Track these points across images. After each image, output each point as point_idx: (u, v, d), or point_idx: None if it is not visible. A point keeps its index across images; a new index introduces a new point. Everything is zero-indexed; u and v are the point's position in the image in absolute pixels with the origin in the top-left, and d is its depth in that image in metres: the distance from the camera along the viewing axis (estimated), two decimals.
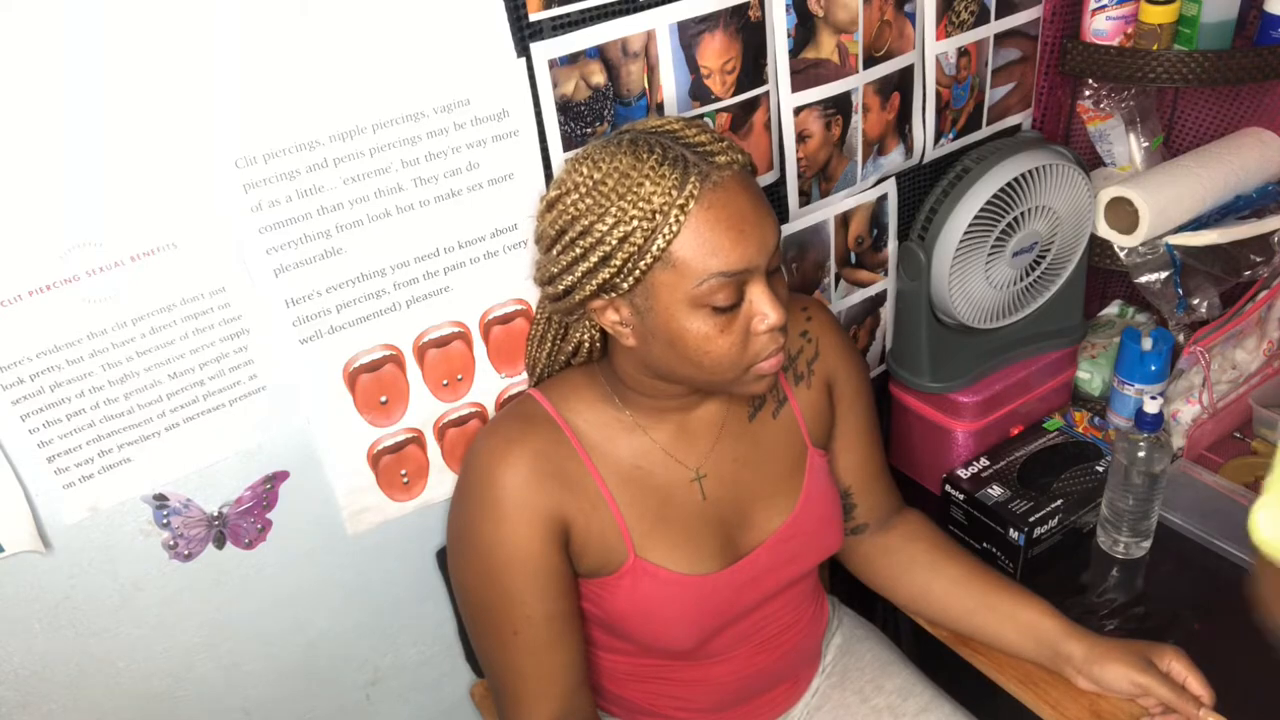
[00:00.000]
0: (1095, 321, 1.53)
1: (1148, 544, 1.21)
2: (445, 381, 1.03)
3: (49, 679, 0.93)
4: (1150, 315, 1.50)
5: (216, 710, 1.05)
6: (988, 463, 1.29)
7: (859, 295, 1.33)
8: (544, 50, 0.93)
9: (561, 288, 0.84)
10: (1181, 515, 1.24)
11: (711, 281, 0.78)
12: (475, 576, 0.92)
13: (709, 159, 0.80)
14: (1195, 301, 1.33)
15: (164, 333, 0.85)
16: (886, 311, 1.37)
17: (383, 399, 1.00)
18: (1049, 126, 1.40)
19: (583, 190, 0.80)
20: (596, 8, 0.94)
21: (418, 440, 1.04)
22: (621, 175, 0.78)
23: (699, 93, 1.04)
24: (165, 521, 0.93)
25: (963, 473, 1.27)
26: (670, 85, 1.02)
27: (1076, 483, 1.25)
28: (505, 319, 1.04)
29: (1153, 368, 1.34)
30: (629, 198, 0.77)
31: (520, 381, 1.08)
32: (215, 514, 0.96)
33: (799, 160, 1.16)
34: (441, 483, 1.08)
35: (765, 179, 1.15)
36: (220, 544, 0.97)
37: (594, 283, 0.81)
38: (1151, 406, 1.14)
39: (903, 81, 1.21)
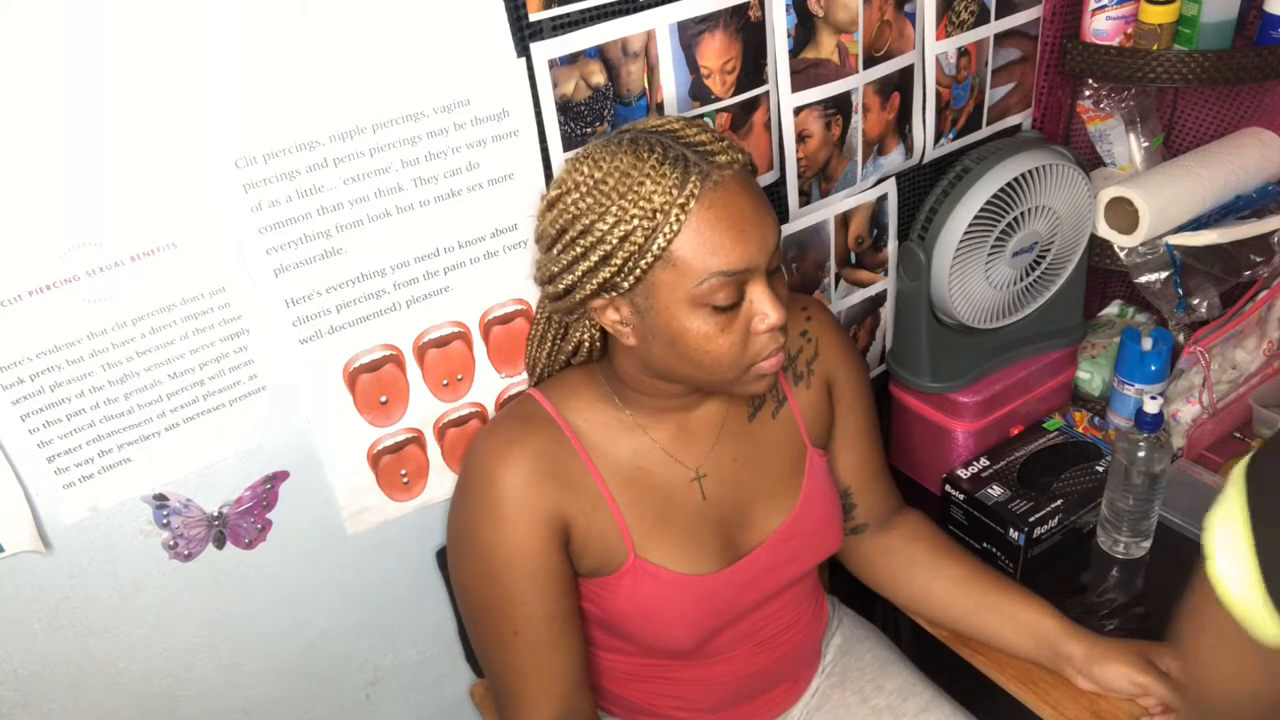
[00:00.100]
0: (1095, 321, 1.53)
1: (1148, 544, 1.21)
2: (445, 381, 1.03)
3: (49, 679, 0.93)
4: (1150, 315, 1.50)
5: (216, 710, 1.05)
6: (988, 463, 1.29)
7: (859, 295, 1.33)
8: (544, 50, 0.93)
9: (562, 287, 0.84)
10: (1181, 515, 1.24)
11: (712, 281, 0.79)
12: (475, 576, 0.92)
13: (709, 158, 0.80)
14: (1195, 301, 1.33)
15: (164, 333, 0.85)
16: (886, 311, 1.37)
17: (383, 399, 1.00)
18: (1049, 126, 1.40)
19: (583, 189, 0.80)
20: (596, 8, 0.94)
21: (418, 440, 1.04)
22: (622, 174, 0.78)
23: (699, 93, 1.04)
24: (165, 521, 0.93)
25: (963, 473, 1.27)
26: (670, 85, 1.02)
27: (1076, 483, 1.25)
28: (505, 319, 1.04)
29: (1153, 368, 1.34)
30: (630, 197, 0.78)
31: (520, 381, 1.08)
32: (215, 514, 0.96)
33: (799, 160, 1.16)
34: (441, 483, 1.08)
35: (765, 179, 1.15)
36: (220, 544, 0.97)
37: (594, 282, 0.81)
38: (1151, 406, 1.14)
39: (903, 81, 1.21)
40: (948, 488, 1.27)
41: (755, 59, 1.06)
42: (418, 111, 0.89)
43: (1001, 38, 1.27)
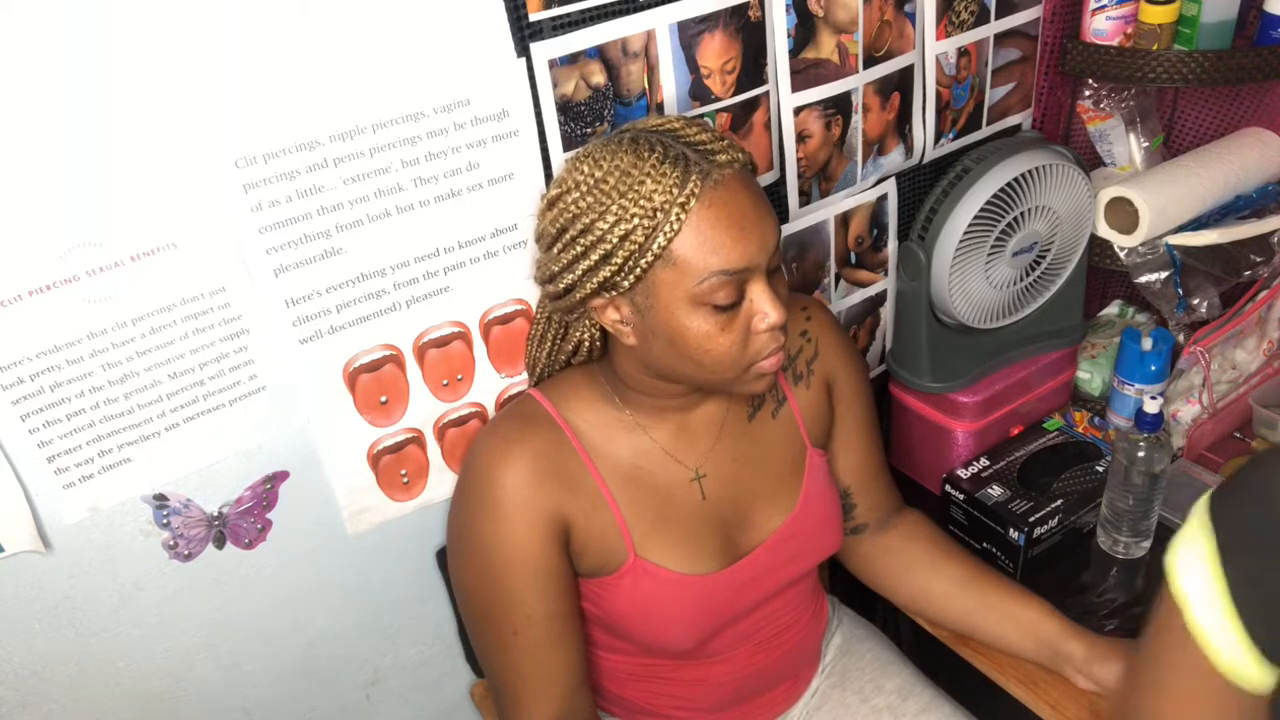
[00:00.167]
0: (1095, 321, 1.53)
1: (1148, 544, 1.21)
2: (445, 381, 1.03)
3: (49, 679, 0.93)
4: (1150, 315, 1.50)
5: (216, 710, 1.05)
6: (988, 463, 1.29)
7: (859, 295, 1.33)
8: (544, 50, 0.93)
9: (562, 286, 0.84)
10: (1181, 515, 1.23)
11: (712, 280, 0.79)
12: (475, 576, 0.92)
13: (710, 157, 0.80)
14: (1195, 301, 1.33)
15: (164, 333, 0.85)
16: (886, 311, 1.37)
17: (383, 399, 1.00)
18: (1049, 126, 1.40)
19: (584, 188, 0.80)
20: (596, 8, 0.94)
21: (418, 440, 1.04)
22: (623, 173, 0.78)
23: (699, 93, 1.04)
24: (165, 521, 0.93)
25: (963, 473, 1.27)
26: (670, 85, 1.02)
27: (1076, 483, 1.25)
28: (505, 319, 1.04)
29: (1153, 368, 1.34)
30: (630, 196, 0.78)
31: (520, 381, 1.08)
32: (215, 514, 0.96)
33: (799, 160, 1.16)
34: (441, 483, 1.08)
35: (765, 179, 1.15)
36: (220, 544, 0.97)
37: (595, 281, 0.81)
38: (1151, 406, 1.14)
39: (903, 81, 1.21)
40: (948, 488, 1.27)
41: (755, 59, 1.06)
42: (418, 111, 0.89)
43: (1001, 38, 1.27)
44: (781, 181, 1.16)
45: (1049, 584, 1.14)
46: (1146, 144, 1.36)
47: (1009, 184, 1.19)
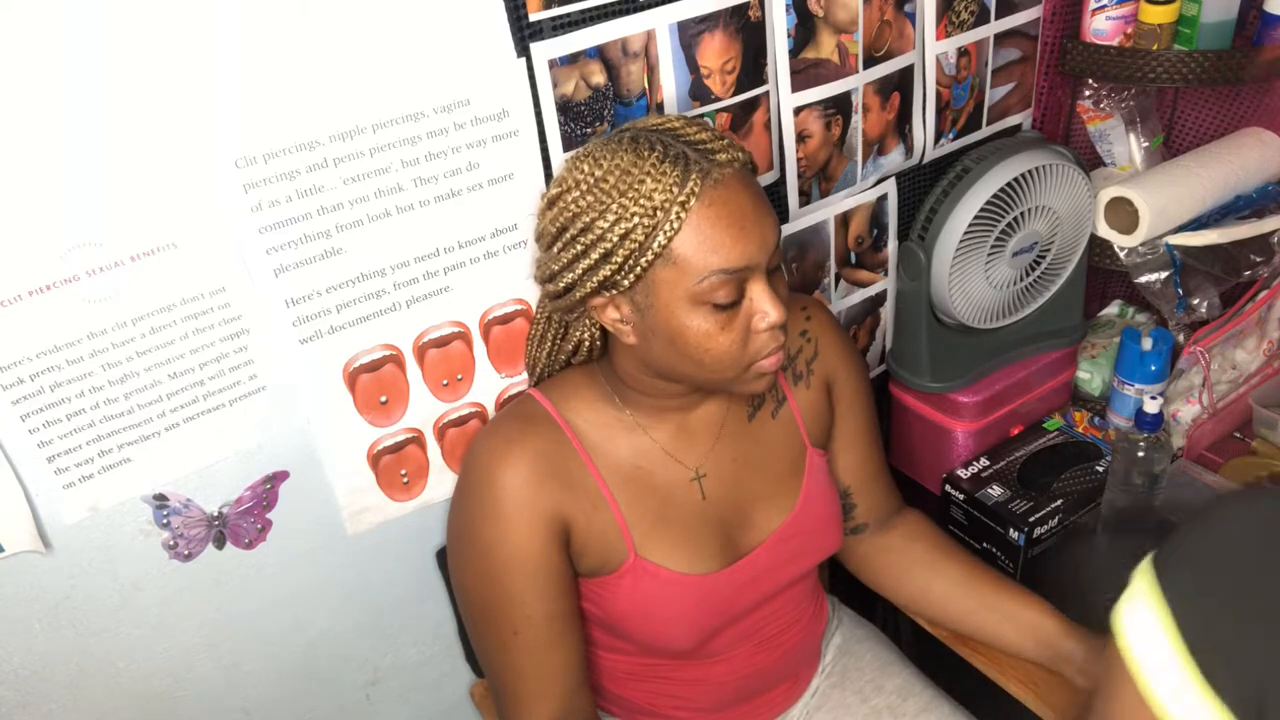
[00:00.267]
0: (1095, 321, 1.53)
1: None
2: (445, 381, 1.03)
3: (49, 679, 0.93)
4: (1150, 315, 1.50)
5: (216, 710, 1.05)
6: (988, 463, 1.29)
7: (859, 295, 1.33)
8: (544, 50, 0.93)
9: (562, 285, 0.84)
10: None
11: (712, 279, 0.79)
12: (475, 576, 0.92)
13: (710, 157, 0.80)
14: (1195, 301, 1.33)
15: (164, 333, 0.85)
16: (886, 311, 1.37)
17: (383, 399, 1.00)
18: (1049, 126, 1.40)
19: (584, 187, 0.80)
20: (596, 8, 0.94)
21: (418, 440, 1.04)
22: (623, 172, 0.78)
23: (699, 93, 1.04)
24: (165, 521, 0.93)
25: (963, 473, 1.28)
26: (670, 85, 1.02)
27: (1076, 483, 1.25)
28: (505, 319, 1.04)
29: (1153, 368, 1.34)
30: (630, 194, 0.78)
31: (520, 381, 1.08)
32: (215, 514, 0.96)
33: (799, 160, 1.16)
34: (441, 483, 1.08)
35: (765, 179, 1.15)
36: (220, 544, 0.97)
37: (595, 280, 0.81)
38: (1151, 406, 1.14)
39: (903, 81, 1.21)
40: (948, 488, 1.27)
41: (755, 59, 1.06)
42: (418, 111, 0.89)
43: (1001, 38, 1.27)
44: (781, 181, 1.16)
45: (1049, 584, 1.14)
46: (1146, 144, 1.36)
47: (1009, 184, 1.19)
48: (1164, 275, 1.30)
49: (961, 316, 1.27)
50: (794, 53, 1.09)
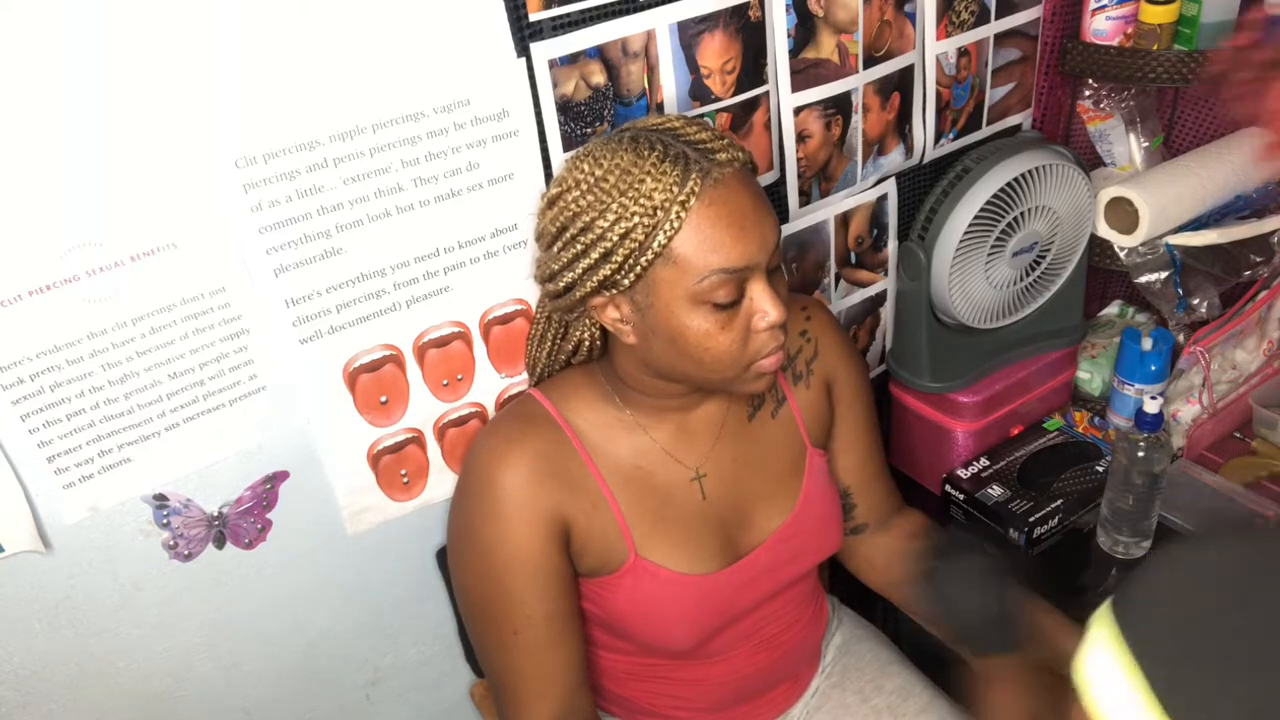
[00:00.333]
0: (1095, 321, 1.53)
1: (1148, 544, 1.21)
2: (445, 381, 1.03)
3: (49, 679, 0.93)
4: (1150, 315, 1.50)
5: (216, 710, 1.05)
6: (988, 463, 1.29)
7: (859, 295, 1.33)
8: (544, 50, 0.93)
9: (562, 285, 0.84)
10: (1181, 515, 1.24)
11: (712, 278, 0.79)
12: (475, 576, 0.92)
13: (710, 156, 0.80)
14: (1195, 301, 1.33)
15: (164, 333, 0.85)
16: (886, 311, 1.37)
17: (383, 399, 1.00)
18: (1049, 126, 1.40)
19: (584, 187, 0.80)
20: (596, 8, 0.94)
21: (418, 440, 1.04)
22: (623, 172, 0.78)
23: (699, 93, 1.04)
24: (165, 521, 0.93)
25: (963, 473, 1.28)
26: (670, 85, 1.02)
27: (1076, 483, 1.25)
28: (505, 319, 1.04)
29: (1153, 368, 1.34)
30: (630, 194, 0.78)
31: (520, 381, 1.08)
32: (215, 514, 0.96)
33: (799, 160, 1.16)
34: (441, 483, 1.08)
35: (765, 179, 1.15)
36: (220, 544, 0.97)
37: (595, 279, 0.81)
38: (1151, 406, 1.14)
39: (903, 81, 1.21)
40: (948, 488, 1.27)
41: (755, 59, 1.06)
42: (418, 111, 0.89)
43: (1001, 38, 1.27)
44: (781, 181, 1.16)
45: (1049, 584, 1.14)
46: (1146, 144, 1.36)
47: (1009, 184, 1.19)
48: (1164, 275, 1.30)
49: (961, 316, 1.27)
50: (794, 53, 1.09)
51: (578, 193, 0.80)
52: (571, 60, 0.95)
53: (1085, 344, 1.48)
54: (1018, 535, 1.18)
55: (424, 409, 1.03)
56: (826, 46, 1.11)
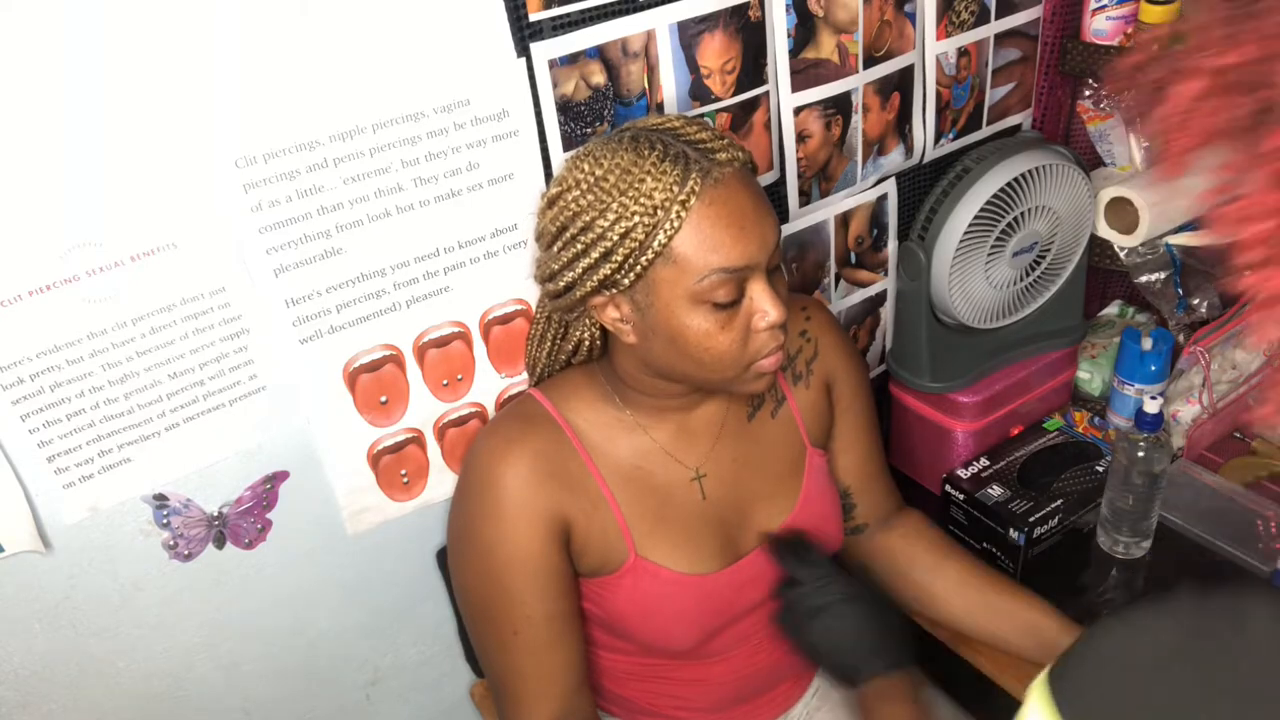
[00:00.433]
0: (1095, 321, 1.53)
1: (1148, 544, 1.21)
2: (445, 381, 1.03)
3: (49, 679, 0.93)
4: (1150, 315, 1.50)
5: (216, 710, 1.05)
6: (988, 463, 1.29)
7: (859, 295, 1.33)
8: (544, 50, 0.93)
9: (562, 284, 0.84)
10: (1181, 515, 1.24)
11: (712, 278, 0.79)
12: (475, 576, 0.92)
13: (710, 156, 0.80)
14: (1195, 301, 1.32)
15: (164, 333, 0.85)
16: (886, 311, 1.37)
17: (383, 399, 1.00)
18: (1049, 126, 1.40)
19: (584, 186, 0.80)
20: (596, 8, 0.94)
21: (418, 440, 1.04)
22: (623, 171, 0.78)
23: (699, 93, 1.04)
24: (165, 521, 0.93)
25: (963, 473, 1.27)
26: (670, 85, 1.02)
27: (1076, 483, 1.25)
28: (505, 319, 1.04)
29: (1153, 368, 1.34)
30: (630, 193, 0.78)
31: (520, 381, 1.08)
32: (215, 514, 0.96)
33: (799, 160, 1.16)
34: (441, 483, 1.08)
35: (765, 179, 1.15)
36: (220, 544, 0.97)
37: (595, 279, 0.81)
38: (1151, 406, 1.14)
39: (903, 81, 1.21)
40: (948, 488, 1.27)
41: (755, 59, 1.06)
42: (418, 111, 0.89)
43: (1001, 38, 1.27)
44: (781, 181, 1.16)
45: (1049, 584, 1.14)
46: (1146, 144, 1.36)
47: (1009, 184, 1.19)
48: (1164, 275, 1.30)
49: (961, 316, 1.27)
50: (794, 53, 1.09)
51: (578, 192, 0.80)
52: (571, 60, 0.95)
53: (1085, 344, 1.48)
54: (1018, 535, 1.18)
55: (424, 409, 1.03)
56: (826, 46, 1.11)
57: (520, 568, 0.89)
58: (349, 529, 1.05)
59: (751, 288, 0.81)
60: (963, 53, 1.24)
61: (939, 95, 1.25)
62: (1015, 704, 1.09)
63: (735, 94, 1.07)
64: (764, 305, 0.81)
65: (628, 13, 0.96)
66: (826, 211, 1.22)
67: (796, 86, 1.11)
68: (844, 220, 1.25)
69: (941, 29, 1.21)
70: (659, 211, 0.77)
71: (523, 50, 0.93)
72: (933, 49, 1.21)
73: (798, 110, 1.12)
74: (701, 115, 1.05)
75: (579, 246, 0.81)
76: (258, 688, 1.07)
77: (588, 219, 0.80)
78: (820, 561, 0.94)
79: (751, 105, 1.09)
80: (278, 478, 0.98)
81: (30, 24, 0.71)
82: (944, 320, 1.31)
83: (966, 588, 1.06)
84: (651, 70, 1.00)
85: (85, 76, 0.74)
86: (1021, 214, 1.22)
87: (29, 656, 0.91)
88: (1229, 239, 0.43)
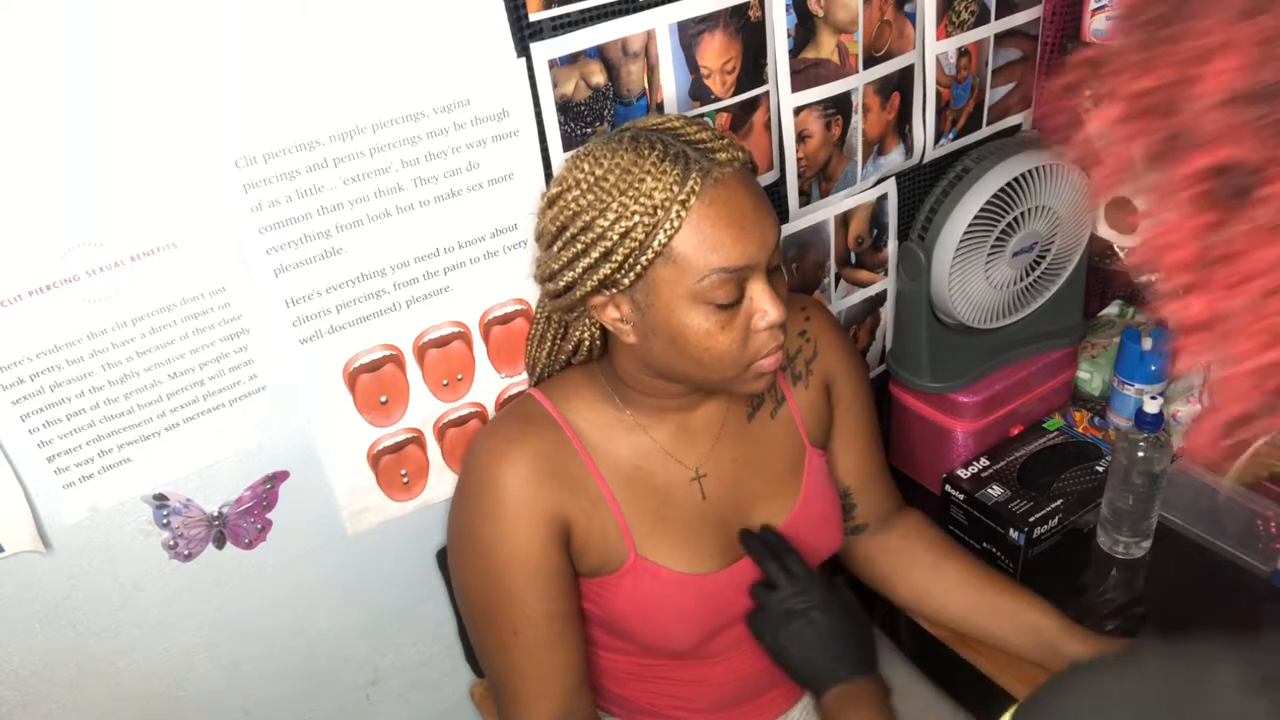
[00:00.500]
0: (1095, 321, 1.53)
1: (1148, 544, 1.21)
2: (445, 381, 1.03)
3: (49, 679, 0.93)
4: (1150, 315, 1.50)
5: (216, 710, 1.05)
6: (988, 463, 1.29)
7: (859, 295, 1.33)
8: (544, 50, 0.93)
9: (562, 284, 0.84)
10: (1181, 515, 1.24)
11: (712, 277, 0.79)
12: (475, 576, 0.92)
13: (710, 156, 0.80)
14: None
15: (164, 333, 0.85)
16: (886, 311, 1.37)
17: (383, 399, 1.00)
18: None
19: (584, 186, 0.80)
20: (596, 8, 0.94)
21: (418, 440, 1.04)
22: (623, 171, 0.78)
23: (699, 93, 1.04)
24: (165, 521, 0.93)
25: (963, 473, 1.27)
26: (670, 85, 1.02)
27: (1076, 483, 1.25)
28: (505, 319, 1.04)
29: (1153, 368, 1.34)
30: (630, 193, 0.78)
31: (520, 381, 1.08)
32: (215, 514, 0.96)
33: (799, 160, 1.16)
34: (441, 483, 1.08)
35: (765, 179, 1.15)
36: (220, 544, 0.97)
37: (595, 278, 0.81)
38: (1151, 406, 1.14)
39: (903, 81, 1.21)
40: (948, 488, 1.27)
41: (755, 59, 1.06)
42: (418, 111, 0.89)
43: (1001, 38, 1.27)
44: (781, 181, 1.16)
45: (1049, 584, 1.14)
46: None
47: (1009, 184, 1.19)
48: None
49: (961, 316, 1.27)
50: (794, 53, 1.09)
51: (578, 192, 0.80)
52: (571, 60, 0.95)
53: (1085, 344, 1.48)
54: (1018, 535, 1.18)
55: (424, 409, 1.03)
56: (826, 46, 1.11)
57: (520, 568, 0.89)
58: (349, 529, 1.05)
59: (751, 288, 0.81)
60: (963, 53, 1.24)
61: (939, 95, 1.25)
62: (1015, 704, 1.09)
63: (735, 94, 1.07)
64: (764, 305, 0.81)
65: (628, 13, 0.96)
66: (826, 211, 1.22)
67: (796, 86, 1.11)
68: (844, 220, 1.25)
69: (941, 29, 1.21)
70: (659, 211, 0.77)
71: (523, 50, 0.93)
72: (933, 49, 1.21)
73: (798, 110, 1.12)
74: (701, 115, 1.05)
75: (579, 246, 0.81)
76: (258, 688, 1.07)
77: (588, 219, 0.80)
78: (799, 569, 0.94)
79: (751, 105, 1.09)
80: (278, 478, 0.98)
81: (30, 24, 0.71)
82: (944, 320, 1.31)
83: (966, 588, 1.06)
84: (651, 70, 1.00)
85: (85, 76, 0.74)
86: (1021, 214, 1.22)
87: (29, 656, 0.91)
88: (1150, 266, 0.43)
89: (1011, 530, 1.19)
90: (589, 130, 0.99)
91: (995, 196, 1.19)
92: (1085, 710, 0.49)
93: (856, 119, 1.18)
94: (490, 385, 1.07)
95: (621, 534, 0.92)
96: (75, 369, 0.82)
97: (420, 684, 1.21)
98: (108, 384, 0.84)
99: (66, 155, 0.75)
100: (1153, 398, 1.14)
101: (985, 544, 1.24)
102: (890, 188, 1.28)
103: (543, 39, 0.93)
